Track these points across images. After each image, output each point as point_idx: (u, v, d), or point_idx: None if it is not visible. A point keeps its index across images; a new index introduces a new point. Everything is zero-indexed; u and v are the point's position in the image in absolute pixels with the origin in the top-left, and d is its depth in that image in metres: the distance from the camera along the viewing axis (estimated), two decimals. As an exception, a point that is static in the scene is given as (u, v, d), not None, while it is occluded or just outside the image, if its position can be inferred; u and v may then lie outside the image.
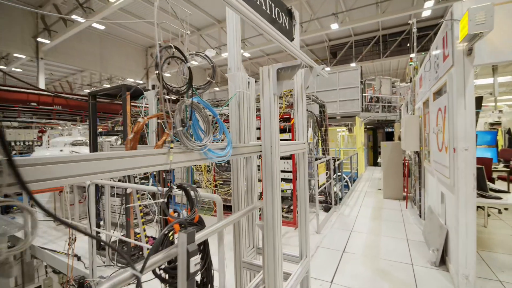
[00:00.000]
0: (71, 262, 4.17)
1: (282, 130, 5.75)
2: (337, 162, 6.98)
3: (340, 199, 7.34)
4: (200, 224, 1.74)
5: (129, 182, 4.14)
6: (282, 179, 5.86)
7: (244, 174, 2.73)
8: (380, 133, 18.79)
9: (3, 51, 17.00)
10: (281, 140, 2.23)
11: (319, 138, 7.11)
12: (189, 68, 1.69)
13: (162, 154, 1.43)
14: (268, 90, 2.08)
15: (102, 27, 15.02)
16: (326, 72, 3.14)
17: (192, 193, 1.70)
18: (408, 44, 18.49)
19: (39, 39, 15.27)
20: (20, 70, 18.99)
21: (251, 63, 23.30)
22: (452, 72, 3.33)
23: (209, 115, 1.77)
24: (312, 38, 19.18)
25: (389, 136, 18.01)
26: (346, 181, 8.44)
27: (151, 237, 5.01)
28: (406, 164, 7.39)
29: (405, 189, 7.39)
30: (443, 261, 3.87)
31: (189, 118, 1.64)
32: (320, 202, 6.97)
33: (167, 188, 1.67)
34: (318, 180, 5.51)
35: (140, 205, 4.62)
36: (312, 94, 6.07)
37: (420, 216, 5.87)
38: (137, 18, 16.17)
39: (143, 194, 4.97)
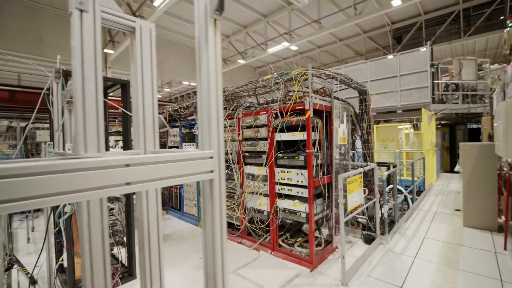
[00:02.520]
0: None
1: (294, 128, 3.87)
2: (387, 171, 4.68)
3: (392, 222, 4.98)
4: None
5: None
6: (295, 197, 3.98)
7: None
8: (460, 131, 14.52)
9: (82, 64, 18.80)
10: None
11: (363, 138, 4.89)
12: None
13: None
14: None
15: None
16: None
17: None
18: (502, 17, 13.82)
19: (105, 50, 16.27)
20: (97, 80, 20.87)
21: (301, 58, 21.11)
22: None
23: None
24: (370, 23, 16.00)
25: (474, 135, 13.70)
26: (405, 196, 5.92)
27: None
28: (506, 176, 4.58)
29: (503, 215, 4.60)
30: None
31: None
32: (359, 226, 4.79)
33: None
34: (345, 204, 3.46)
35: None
36: (341, 74, 3.97)
37: (536, 273, 3.25)
38: (183, 20, 15.89)
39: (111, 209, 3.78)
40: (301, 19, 15.33)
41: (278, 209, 4.13)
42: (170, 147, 6.47)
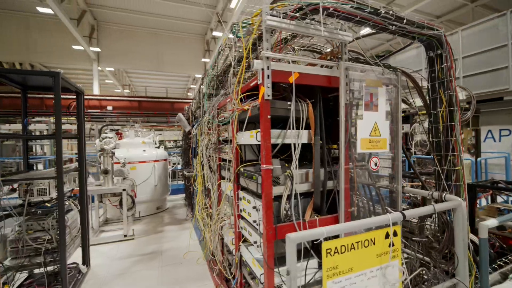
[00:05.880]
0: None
1: (275, 122, 2.02)
2: (499, 218, 1.94)
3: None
4: None
5: None
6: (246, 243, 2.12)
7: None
8: None
9: (191, 75, 21.24)
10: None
11: (435, 140, 2.21)
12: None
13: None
14: None
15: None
16: None
17: None
18: None
19: (203, 60, 17.62)
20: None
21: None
22: None
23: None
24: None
25: None
26: None
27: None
28: None
29: None
30: None
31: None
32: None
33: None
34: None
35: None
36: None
37: None
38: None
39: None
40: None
41: (242, 259, 2.36)
42: (194, 148, 5.57)
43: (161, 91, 23.04)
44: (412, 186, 3.71)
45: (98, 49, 15.01)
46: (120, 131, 7.17)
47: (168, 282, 3.30)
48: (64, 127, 9.05)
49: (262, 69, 1.73)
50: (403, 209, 3.10)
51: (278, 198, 1.87)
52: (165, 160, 6.62)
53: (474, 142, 5.93)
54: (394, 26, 1.88)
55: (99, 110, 14.27)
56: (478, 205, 3.44)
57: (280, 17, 1.78)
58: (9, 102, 11.18)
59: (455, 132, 2.05)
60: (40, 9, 11.44)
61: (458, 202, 1.87)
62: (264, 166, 1.75)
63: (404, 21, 1.85)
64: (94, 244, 4.35)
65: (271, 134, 1.83)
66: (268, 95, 1.73)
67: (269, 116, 1.76)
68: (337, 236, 1.74)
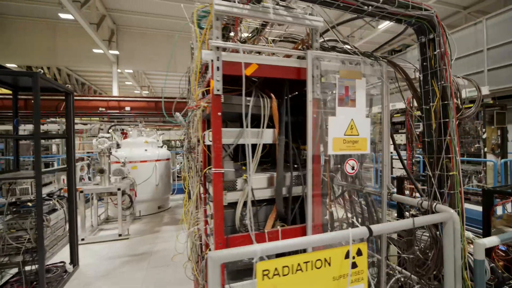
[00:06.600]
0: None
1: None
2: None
3: None
4: None
5: None
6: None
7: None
8: None
9: (207, 75, 21.40)
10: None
11: (427, 140, 1.83)
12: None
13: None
14: None
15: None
16: None
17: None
18: None
19: (217, 60, 17.64)
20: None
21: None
22: None
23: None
24: None
25: None
26: None
27: None
28: None
29: None
30: None
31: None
32: None
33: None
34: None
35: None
36: None
37: None
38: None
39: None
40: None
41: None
42: (192, 148, 5.48)
43: (177, 91, 23.52)
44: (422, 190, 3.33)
45: (116, 52, 15.52)
46: (125, 131, 7.27)
47: (152, 284, 3.21)
48: (76, 127, 9.24)
49: (212, 61, 1.53)
50: (412, 215, 2.76)
51: (235, 205, 1.66)
52: (168, 159, 6.61)
53: (499, 142, 5.30)
54: (370, 7, 1.59)
55: (118, 111, 14.74)
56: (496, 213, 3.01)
57: (235, 1, 1.57)
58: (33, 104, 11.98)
59: (450, 130, 1.72)
60: (62, 15, 12.01)
61: (448, 214, 1.54)
62: (214, 169, 1.55)
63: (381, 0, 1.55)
64: (89, 242, 4.39)
65: (227, 134, 1.64)
66: (218, 90, 1.53)
67: (219, 113, 1.55)
68: (305, 250, 1.53)
